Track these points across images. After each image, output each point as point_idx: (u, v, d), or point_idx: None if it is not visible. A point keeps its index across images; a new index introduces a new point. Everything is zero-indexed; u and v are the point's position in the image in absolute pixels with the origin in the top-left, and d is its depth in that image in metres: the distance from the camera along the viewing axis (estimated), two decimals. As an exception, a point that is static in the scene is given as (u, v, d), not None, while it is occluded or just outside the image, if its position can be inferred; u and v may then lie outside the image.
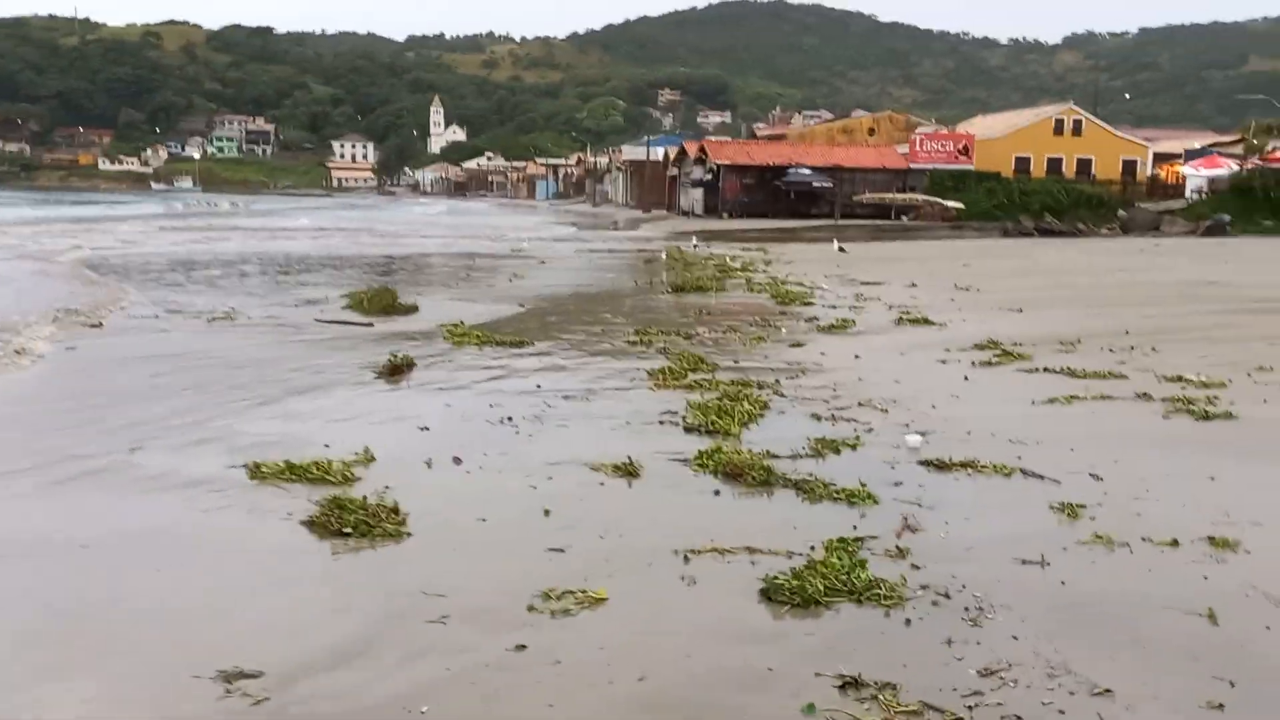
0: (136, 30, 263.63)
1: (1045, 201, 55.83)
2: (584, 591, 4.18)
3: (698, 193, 61.48)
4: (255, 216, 56.51)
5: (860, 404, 7.76)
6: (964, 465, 5.97)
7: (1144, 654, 3.62)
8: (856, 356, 10.02)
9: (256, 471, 6.09)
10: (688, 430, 7.05)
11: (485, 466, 6.23)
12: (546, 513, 5.28)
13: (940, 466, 5.99)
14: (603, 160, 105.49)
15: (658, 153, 79.24)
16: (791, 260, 24.79)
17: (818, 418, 7.36)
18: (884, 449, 6.46)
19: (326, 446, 6.42)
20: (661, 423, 7.31)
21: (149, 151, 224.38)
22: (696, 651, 3.69)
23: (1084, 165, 65.56)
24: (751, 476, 5.76)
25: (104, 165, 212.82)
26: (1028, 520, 5.05)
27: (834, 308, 14.46)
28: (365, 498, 5.32)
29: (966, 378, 8.79)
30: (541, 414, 7.66)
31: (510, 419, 7.46)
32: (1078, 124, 66.49)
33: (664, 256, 25.47)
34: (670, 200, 69.80)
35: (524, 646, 3.73)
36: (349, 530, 4.98)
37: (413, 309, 14.57)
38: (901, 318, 13.03)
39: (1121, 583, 4.21)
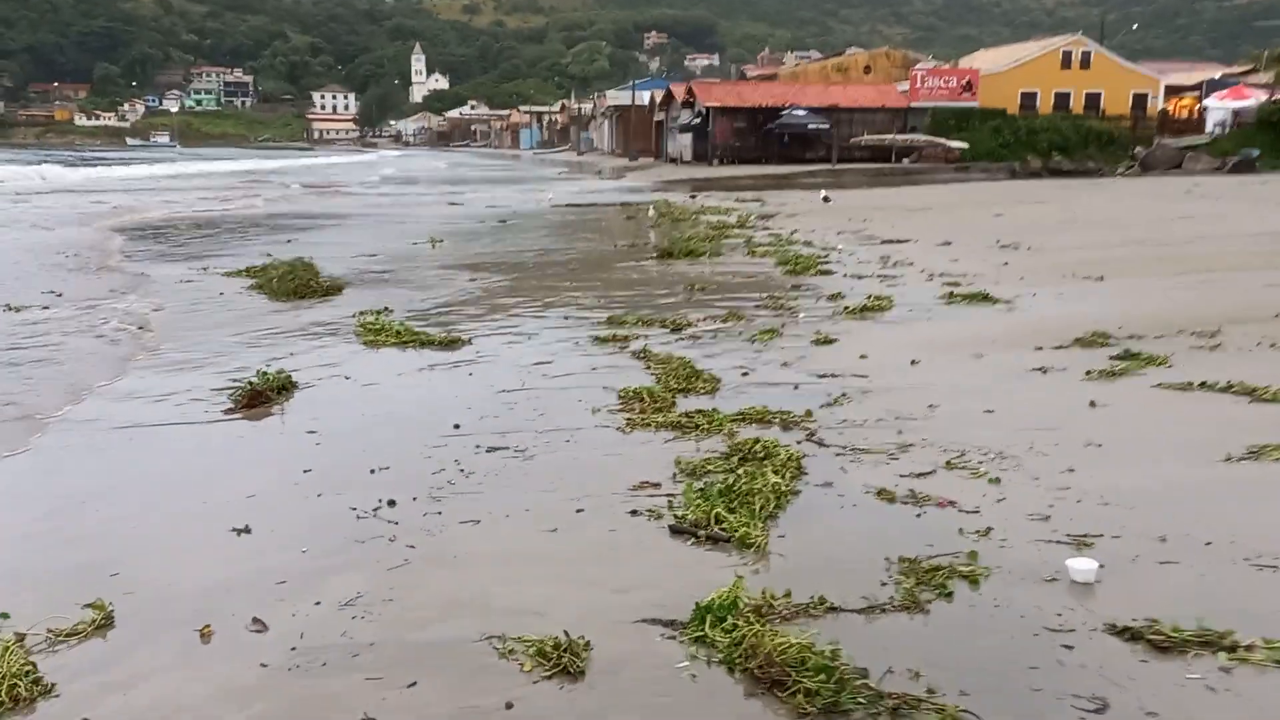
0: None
1: (1053, 140, 53.04)
2: None
3: (686, 138, 58.08)
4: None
5: (949, 463, 4.91)
6: (1205, 642, 3.12)
7: None
8: (914, 362, 7.13)
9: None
10: (678, 531, 4.20)
11: (307, 638, 3.38)
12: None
13: (1160, 645, 3.14)
14: (587, 107, 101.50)
15: (644, 97, 75.42)
16: (794, 213, 21.77)
17: (888, 497, 4.50)
18: (1028, 585, 3.61)
19: (5, 617, 3.52)
20: (635, 512, 4.45)
21: (126, 106, 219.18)
22: None
23: (1092, 100, 62.29)
24: (804, 690, 2.91)
25: (80, 121, 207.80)
26: None
27: (859, 278, 11.54)
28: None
29: (1093, 403, 5.90)
30: (445, 489, 4.81)
31: (392, 504, 4.60)
32: (1086, 56, 63.07)
33: (650, 211, 22.17)
34: (657, 147, 66.32)
35: None
36: None
37: (335, 290, 11.64)
38: (951, 292, 10.12)
39: None
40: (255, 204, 28.20)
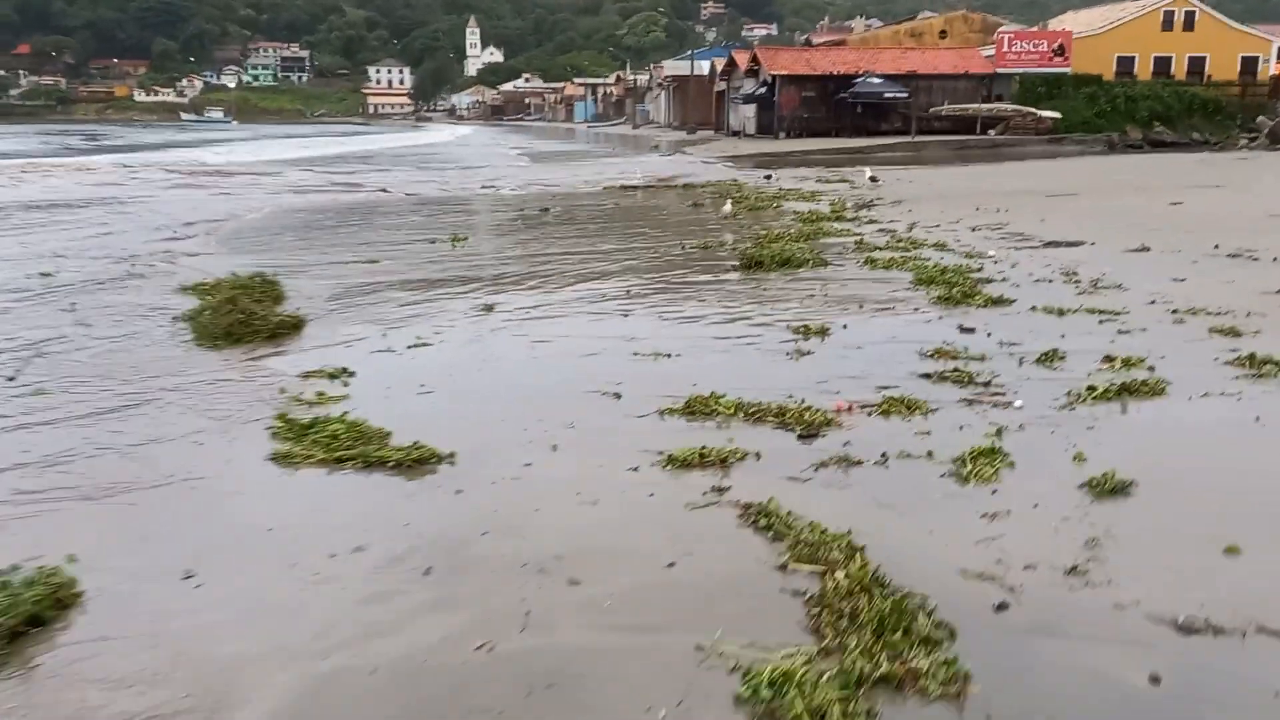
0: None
1: (1154, 108, 48.37)
2: None
3: (749, 109, 53.81)
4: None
5: None
6: None
7: None
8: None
9: None
10: None
11: None
12: None
13: None
14: (644, 78, 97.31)
15: (703, 67, 71.10)
16: (899, 198, 17.80)
17: None
18: None
19: None
20: None
21: (184, 82, 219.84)
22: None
23: (1196, 64, 56.88)
24: None
25: (139, 97, 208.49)
26: None
27: (1059, 313, 7.68)
28: None
29: None
30: None
31: None
32: (1189, 16, 57.47)
33: (727, 206, 17.31)
34: (718, 119, 62.16)
35: None
36: None
37: (290, 327, 8.09)
38: (1252, 354, 6.22)
39: None
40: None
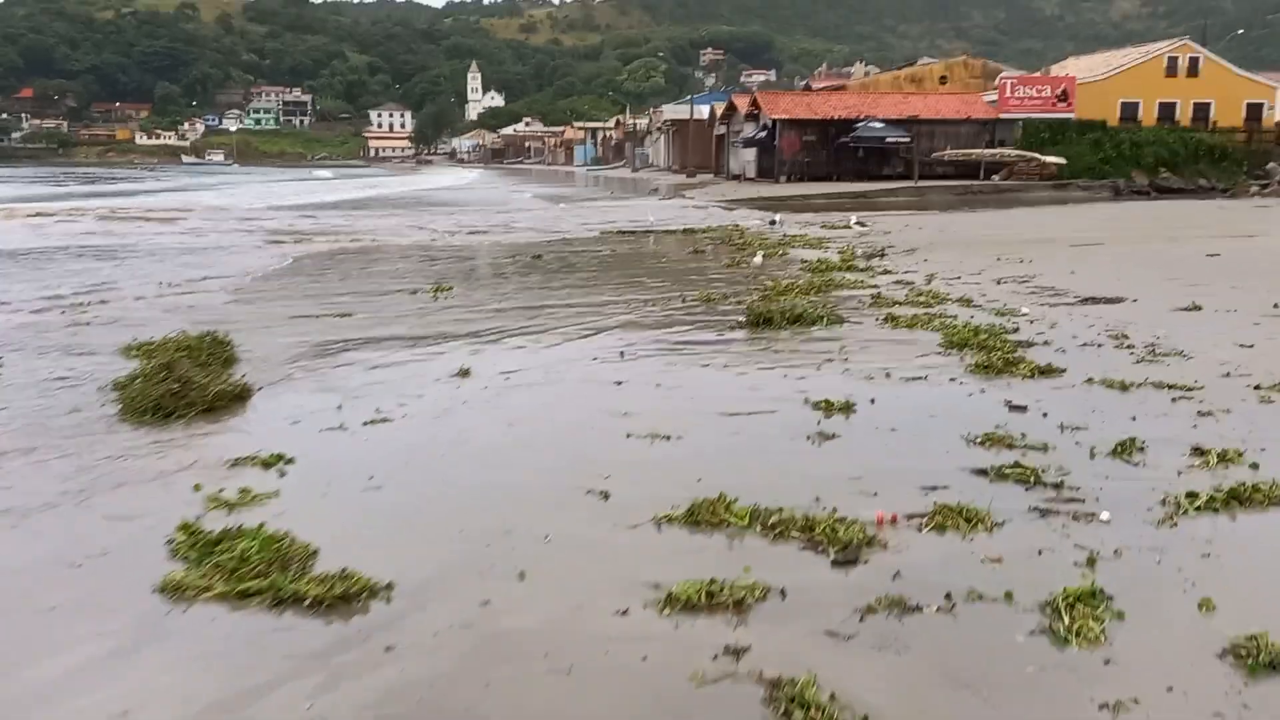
0: (172, 2, 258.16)
1: (1159, 154, 47.86)
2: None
3: (749, 153, 53.20)
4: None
5: None
6: None
7: None
8: None
9: None
10: None
11: None
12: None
13: None
14: (643, 122, 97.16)
15: (702, 111, 70.73)
16: (912, 246, 16.82)
17: None
18: None
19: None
20: None
21: (186, 125, 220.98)
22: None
23: (1201, 110, 56.39)
24: None
25: (141, 140, 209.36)
26: None
27: (1121, 388, 6.61)
28: None
29: None
30: None
31: None
32: (1194, 62, 57.10)
33: (757, 259, 15.72)
34: (717, 163, 61.58)
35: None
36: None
37: (235, 398, 7.02)
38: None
39: None
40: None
